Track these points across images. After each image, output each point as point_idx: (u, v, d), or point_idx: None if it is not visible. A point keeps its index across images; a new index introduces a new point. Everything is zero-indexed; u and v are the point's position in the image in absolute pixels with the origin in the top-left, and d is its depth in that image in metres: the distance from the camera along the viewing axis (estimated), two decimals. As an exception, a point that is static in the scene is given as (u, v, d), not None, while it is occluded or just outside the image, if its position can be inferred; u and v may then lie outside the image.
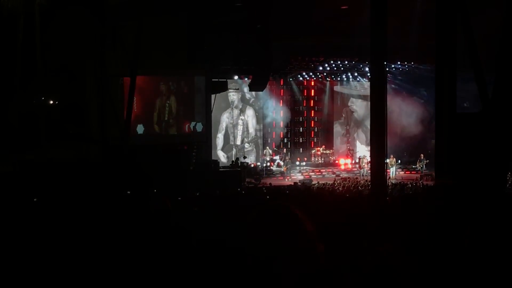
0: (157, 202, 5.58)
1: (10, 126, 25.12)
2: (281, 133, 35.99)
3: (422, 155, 32.78)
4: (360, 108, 37.33)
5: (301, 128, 37.23)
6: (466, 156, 12.79)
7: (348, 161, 35.11)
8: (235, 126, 34.35)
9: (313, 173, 32.66)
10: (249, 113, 34.84)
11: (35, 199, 12.36)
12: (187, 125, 29.01)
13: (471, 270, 2.95)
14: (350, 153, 35.95)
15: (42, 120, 25.21)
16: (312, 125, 37.47)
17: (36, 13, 24.36)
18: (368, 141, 21.43)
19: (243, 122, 34.68)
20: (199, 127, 29.14)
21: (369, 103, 18.24)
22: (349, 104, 37.78)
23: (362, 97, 36.77)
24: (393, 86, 34.91)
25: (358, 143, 37.49)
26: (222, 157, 33.28)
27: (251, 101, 34.79)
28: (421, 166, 32.41)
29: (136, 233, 4.53)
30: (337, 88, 37.49)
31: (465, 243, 3.00)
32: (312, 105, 37.34)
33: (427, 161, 31.78)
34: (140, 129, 27.76)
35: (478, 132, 12.57)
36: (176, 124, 29.03)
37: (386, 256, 3.38)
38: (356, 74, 35.75)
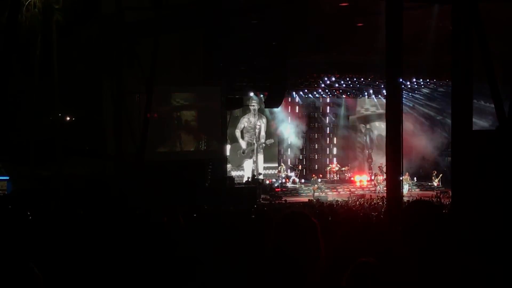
0: (170, 218, 5.57)
1: (27, 143, 25.26)
2: (297, 149, 35.81)
3: (435, 171, 32.84)
4: (378, 130, 36.85)
5: (316, 145, 37.08)
6: (483, 174, 12.63)
7: (364, 177, 34.88)
8: (253, 128, 33.59)
9: (329, 190, 32.53)
10: (264, 121, 34.39)
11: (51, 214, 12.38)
12: (202, 142, 28.99)
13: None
14: (372, 169, 35.71)
15: (59, 137, 25.32)
16: (328, 142, 37.32)
17: (54, 30, 24.58)
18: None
19: (260, 127, 34.01)
20: (215, 144, 29.10)
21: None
22: (367, 128, 37.50)
23: (379, 117, 36.32)
24: (408, 103, 34.67)
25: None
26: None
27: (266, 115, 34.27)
28: (437, 182, 32.52)
29: (145, 248, 4.52)
30: (352, 103, 37.34)
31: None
32: (327, 121, 37.22)
33: (441, 175, 32.27)
34: (156, 145, 27.74)
35: (495, 150, 12.42)
36: (192, 141, 29.01)
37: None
38: (371, 91, 35.56)
